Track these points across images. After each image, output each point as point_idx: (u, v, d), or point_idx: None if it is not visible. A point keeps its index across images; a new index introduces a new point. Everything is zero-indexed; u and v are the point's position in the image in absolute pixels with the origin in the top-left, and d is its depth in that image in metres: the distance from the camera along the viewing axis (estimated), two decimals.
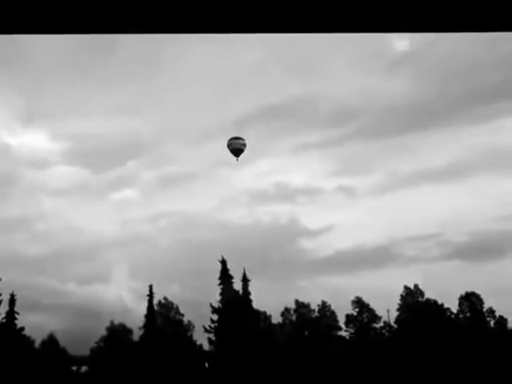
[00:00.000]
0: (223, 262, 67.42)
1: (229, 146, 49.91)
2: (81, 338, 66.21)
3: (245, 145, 49.68)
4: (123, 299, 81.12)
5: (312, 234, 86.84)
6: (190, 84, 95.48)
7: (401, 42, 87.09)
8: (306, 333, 67.22)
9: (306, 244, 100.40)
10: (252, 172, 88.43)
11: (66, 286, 79.69)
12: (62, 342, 65.67)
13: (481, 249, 79.93)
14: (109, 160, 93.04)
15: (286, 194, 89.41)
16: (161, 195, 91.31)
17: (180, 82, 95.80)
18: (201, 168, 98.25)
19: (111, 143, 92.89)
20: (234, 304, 64.45)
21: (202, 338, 66.22)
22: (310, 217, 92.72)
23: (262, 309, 68.43)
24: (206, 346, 66.01)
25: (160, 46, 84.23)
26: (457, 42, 79.80)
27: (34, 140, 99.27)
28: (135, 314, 68.04)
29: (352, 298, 68.54)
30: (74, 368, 66.03)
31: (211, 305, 65.41)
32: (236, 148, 49.53)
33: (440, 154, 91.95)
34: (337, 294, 74.52)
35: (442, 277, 73.22)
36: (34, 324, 66.86)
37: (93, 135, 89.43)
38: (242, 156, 50.66)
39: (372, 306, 68.33)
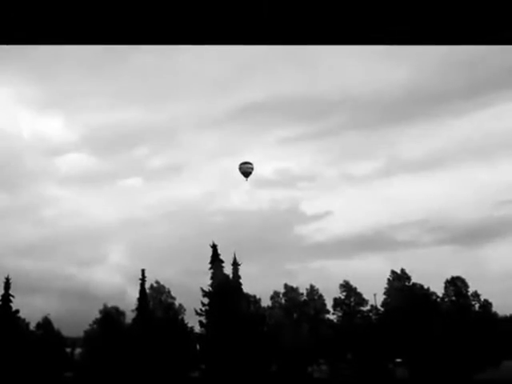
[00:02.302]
0: (214, 247, 68.42)
1: (240, 169, 60.76)
2: (75, 321, 67.88)
3: (252, 168, 60.40)
4: (118, 283, 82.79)
5: (308, 219, 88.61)
6: (194, 78, 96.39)
7: None
8: (295, 316, 68.63)
9: (301, 229, 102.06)
10: (254, 160, 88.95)
11: (63, 270, 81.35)
12: (57, 324, 67.42)
13: (467, 235, 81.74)
14: (118, 149, 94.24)
15: (286, 181, 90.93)
16: (165, 182, 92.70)
17: (185, 75, 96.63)
18: (204, 156, 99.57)
19: (121, 132, 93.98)
20: (224, 288, 65.63)
21: (193, 321, 67.56)
22: (308, 204, 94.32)
23: (253, 293, 69.98)
24: (197, 329, 67.15)
25: (169, 48, 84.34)
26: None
27: (47, 128, 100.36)
28: (130, 297, 69.56)
29: (340, 281, 70.00)
30: (69, 350, 67.52)
31: (202, 288, 66.58)
32: (246, 171, 60.38)
33: (433, 145, 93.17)
34: (326, 278, 76.17)
35: (428, 262, 74.91)
36: (30, 307, 68.43)
37: (103, 125, 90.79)
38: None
39: (360, 289, 69.76)
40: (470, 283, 69.74)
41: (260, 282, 74.34)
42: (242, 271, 68.16)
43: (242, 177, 61.95)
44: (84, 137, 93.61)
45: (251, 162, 60.02)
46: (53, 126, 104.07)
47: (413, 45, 3.88)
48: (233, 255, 67.98)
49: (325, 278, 75.76)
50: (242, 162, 59.83)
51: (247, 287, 68.56)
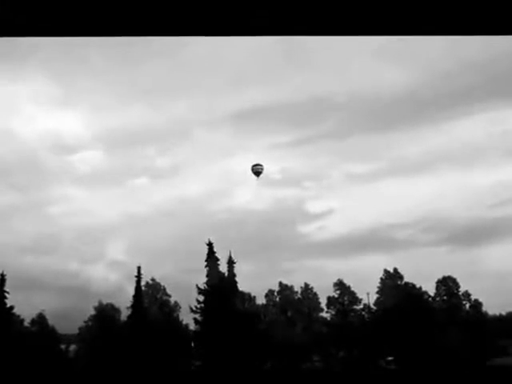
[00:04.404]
0: (210, 245, 68.67)
1: (252, 170, 69.50)
2: (72, 317, 67.78)
3: (262, 169, 69.45)
4: (117, 280, 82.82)
5: (309, 219, 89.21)
6: (200, 76, 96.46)
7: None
8: (289, 314, 69.13)
9: (301, 229, 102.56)
10: (258, 160, 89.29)
11: (63, 267, 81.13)
12: (54, 320, 66.93)
13: (461, 235, 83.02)
14: (127, 147, 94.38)
15: (289, 180, 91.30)
16: (171, 181, 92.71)
17: (192, 73, 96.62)
18: (210, 155, 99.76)
19: (129, 130, 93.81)
20: (219, 285, 65.93)
21: (188, 318, 67.78)
22: (309, 203, 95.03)
23: (250, 291, 70.44)
24: (192, 326, 67.51)
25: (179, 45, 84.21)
26: (447, 40, 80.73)
27: (58, 126, 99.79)
28: (127, 294, 69.29)
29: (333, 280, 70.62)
30: (63, 346, 67.16)
31: (197, 286, 66.91)
32: (257, 171, 69.02)
33: (429, 146, 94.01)
34: (322, 276, 76.56)
35: (422, 261, 75.77)
36: (28, 303, 68.01)
37: (113, 122, 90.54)
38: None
39: (354, 288, 70.30)
40: (462, 283, 70.67)
41: (258, 280, 74.83)
42: (240, 269, 68.92)
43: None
44: (94, 135, 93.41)
45: (262, 163, 69.84)
46: (63, 124, 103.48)
47: (414, 35, 3.84)
48: (228, 253, 68.82)
49: (321, 276, 76.19)
50: (253, 164, 69.99)
51: (244, 285, 69.20)
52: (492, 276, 70.99)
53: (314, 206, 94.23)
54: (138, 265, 68.22)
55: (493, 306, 71.68)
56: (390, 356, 67.14)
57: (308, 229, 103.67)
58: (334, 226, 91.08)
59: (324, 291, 70.06)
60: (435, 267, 71.90)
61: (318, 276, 76.00)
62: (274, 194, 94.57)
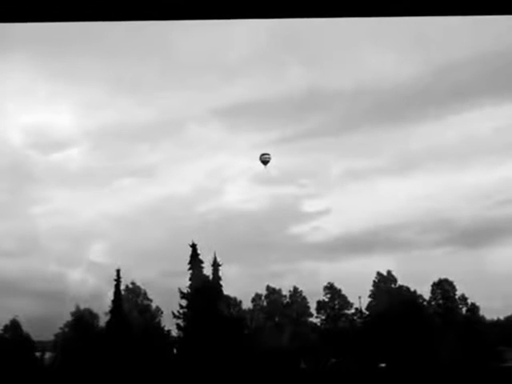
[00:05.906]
0: (193, 246, 66.29)
1: (260, 158, 70.64)
2: (45, 323, 65.21)
3: (270, 158, 70.74)
4: (97, 284, 79.94)
5: (301, 220, 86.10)
6: (188, 72, 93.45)
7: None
8: (277, 319, 66.77)
9: (294, 230, 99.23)
10: (253, 157, 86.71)
11: (41, 270, 78.14)
12: (26, 327, 64.29)
13: (457, 237, 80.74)
14: (112, 145, 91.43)
15: (284, 178, 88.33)
16: (159, 180, 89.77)
17: (180, 69, 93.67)
18: (200, 153, 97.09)
19: (117, 127, 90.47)
20: (203, 289, 63.60)
21: (170, 324, 65.70)
22: (303, 203, 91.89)
23: (237, 295, 68.30)
24: (175, 332, 65.47)
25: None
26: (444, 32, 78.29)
27: (41, 122, 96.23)
28: (107, 299, 66.72)
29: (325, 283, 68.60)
30: (38, 354, 64.79)
31: (180, 290, 64.58)
32: (265, 160, 70.22)
33: (431, 142, 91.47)
34: (314, 279, 74.12)
35: (416, 263, 73.27)
36: (2, 309, 65.31)
37: (101, 119, 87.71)
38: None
39: (345, 292, 68.34)
40: (459, 286, 68.79)
41: (244, 284, 72.38)
42: (226, 272, 66.58)
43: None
44: (77, 132, 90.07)
45: (269, 153, 71.22)
46: (47, 120, 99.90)
47: (416, 16, 3.84)
48: (213, 255, 66.29)
49: (311, 279, 73.63)
50: (261, 153, 71.45)
51: (230, 289, 66.92)
52: (490, 279, 68.31)
53: (308, 205, 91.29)
54: (117, 267, 65.74)
55: (490, 311, 69.66)
56: (382, 363, 64.94)
57: (300, 229, 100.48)
58: (327, 227, 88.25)
59: (314, 295, 68.27)
60: (431, 270, 69.58)
61: (308, 279, 73.46)
62: (266, 193, 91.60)
